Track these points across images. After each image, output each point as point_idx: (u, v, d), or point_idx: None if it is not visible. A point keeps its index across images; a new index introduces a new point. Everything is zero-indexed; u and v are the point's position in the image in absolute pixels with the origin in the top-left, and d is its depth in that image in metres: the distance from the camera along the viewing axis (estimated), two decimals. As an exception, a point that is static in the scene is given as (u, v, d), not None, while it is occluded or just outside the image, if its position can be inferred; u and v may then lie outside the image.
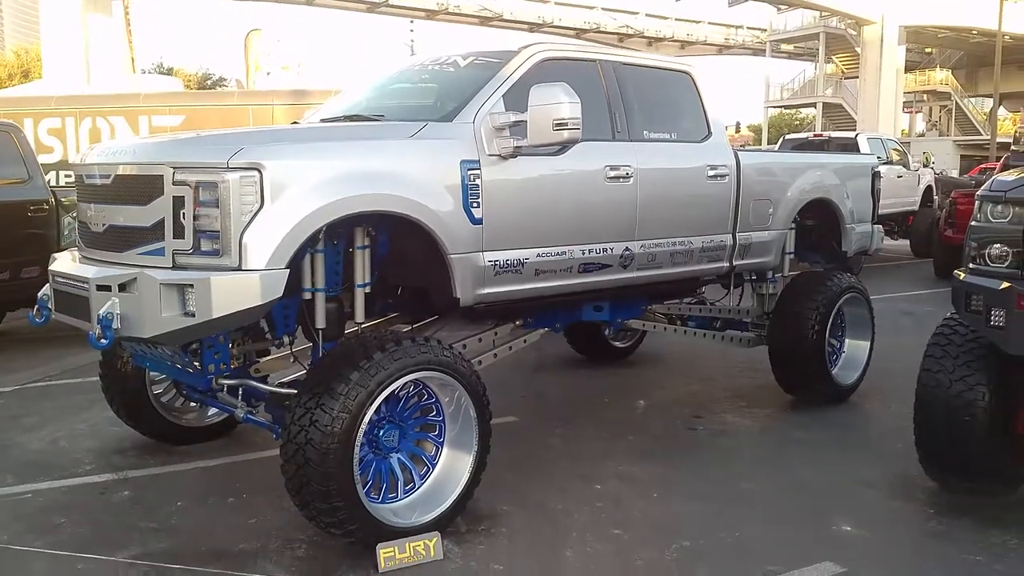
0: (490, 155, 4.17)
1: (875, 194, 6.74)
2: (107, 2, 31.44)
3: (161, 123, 12.39)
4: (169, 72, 43.78)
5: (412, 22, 51.05)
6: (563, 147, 4.33)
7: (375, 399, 3.55)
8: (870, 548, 3.85)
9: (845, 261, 6.70)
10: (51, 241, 7.64)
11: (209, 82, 48.16)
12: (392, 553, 3.59)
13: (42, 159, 8.44)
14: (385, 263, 4.33)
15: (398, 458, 3.87)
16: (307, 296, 3.98)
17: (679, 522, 4.08)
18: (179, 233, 3.50)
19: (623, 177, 4.75)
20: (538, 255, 4.42)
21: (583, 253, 4.62)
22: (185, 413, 5.14)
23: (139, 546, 3.78)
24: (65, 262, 4.12)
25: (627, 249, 4.84)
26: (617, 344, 7.42)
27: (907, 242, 15.71)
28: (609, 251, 4.75)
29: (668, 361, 7.48)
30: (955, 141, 52.04)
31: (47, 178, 8.24)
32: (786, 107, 59.19)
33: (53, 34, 30.85)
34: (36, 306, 4.24)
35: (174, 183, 3.50)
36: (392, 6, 46.78)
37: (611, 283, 4.87)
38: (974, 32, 46.82)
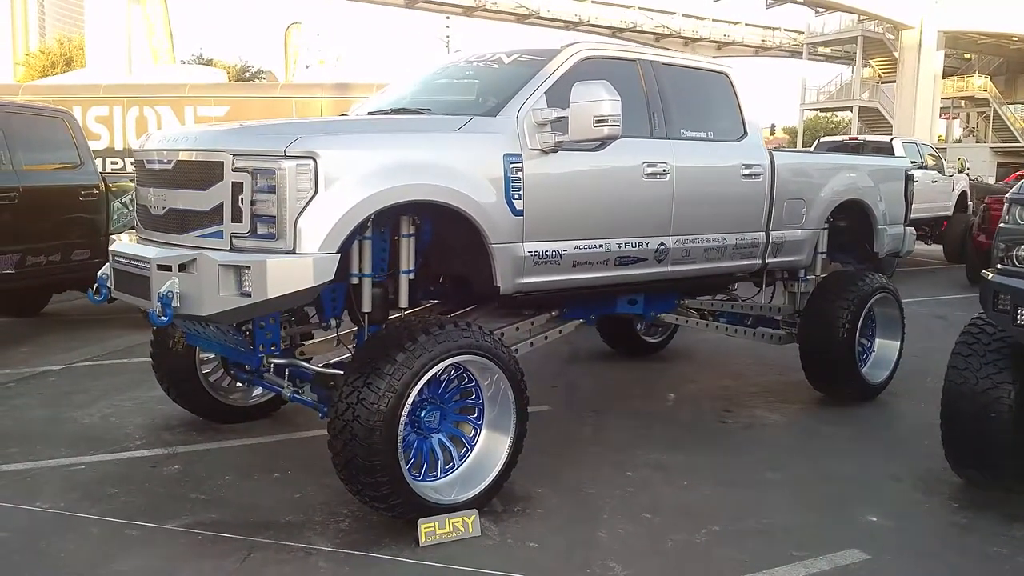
0: (532, 149, 4.31)
1: (908, 197, 6.80)
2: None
3: (206, 113, 12.69)
4: (209, 63, 44.35)
5: (448, 18, 51.32)
6: (603, 143, 4.45)
7: (419, 380, 3.71)
8: (895, 537, 3.95)
9: (876, 262, 6.76)
10: (101, 225, 7.93)
11: (248, 74, 48.71)
12: (432, 528, 3.75)
13: (90, 146, 8.68)
14: (428, 251, 4.49)
15: (439, 438, 4.03)
16: (354, 281, 4.15)
17: (708, 508, 4.21)
18: (237, 217, 3.68)
19: (660, 174, 4.88)
20: (576, 247, 4.56)
21: (619, 246, 4.75)
22: (231, 392, 5.34)
23: (190, 516, 3.97)
24: (125, 243, 4.32)
25: (662, 244, 4.96)
26: (648, 339, 7.54)
27: (940, 247, 15.63)
28: (645, 245, 4.88)
29: (698, 357, 7.59)
30: (992, 148, 51.39)
31: (99, 167, 8.51)
32: (822, 110, 58.72)
33: (97, 23, 31.49)
34: (95, 285, 4.46)
35: (234, 169, 3.68)
36: (430, 1, 47.06)
37: (646, 276, 5.00)
38: (1014, 39, 46.19)
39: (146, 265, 3.87)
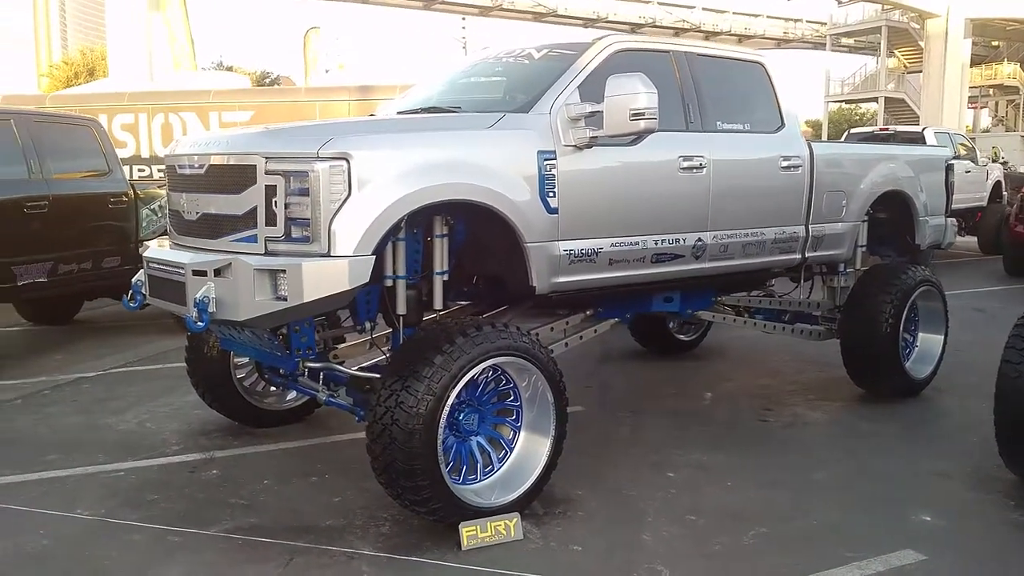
0: (566, 145, 4.24)
1: (949, 187, 6.65)
2: (170, 1, 32.27)
3: (231, 119, 12.72)
4: (229, 70, 44.66)
5: (464, 19, 51.30)
6: (638, 138, 4.38)
7: (457, 382, 3.65)
8: (950, 538, 3.84)
9: (917, 255, 6.62)
10: (130, 232, 7.95)
11: (268, 80, 49.01)
12: (474, 532, 3.69)
13: (120, 154, 8.73)
14: (462, 251, 4.43)
15: (477, 441, 3.97)
16: (388, 283, 4.09)
17: (754, 509, 4.11)
18: (271, 221, 3.64)
19: (697, 168, 4.78)
20: (612, 245, 4.48)
21: (656, 243, 4.67)
22: (266, 397, 5.32)
23: (230, 521, 3.94)
24: (158, 249, 4.30)
25: (699, 240, 4.87)
26: (682, 337, 7.43)
27: (975, 239, 15.37)
28: (682, 241, 4.79)
29: (733, 355, 7.48)
30: (1022, 136, 50.56)
31: (127, 175, 8.53)
32: (846, 102, 58.08)
33: (118, 33, 31.88)
34: (130, 291, 4.44)
35: (267, 172, 3.64)
36: (447, 3, 47.10)
37: (683, 273, 4.91)
38: (1044, 25, 45.43)
39: (181, 271, 3.84)
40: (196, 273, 3.74)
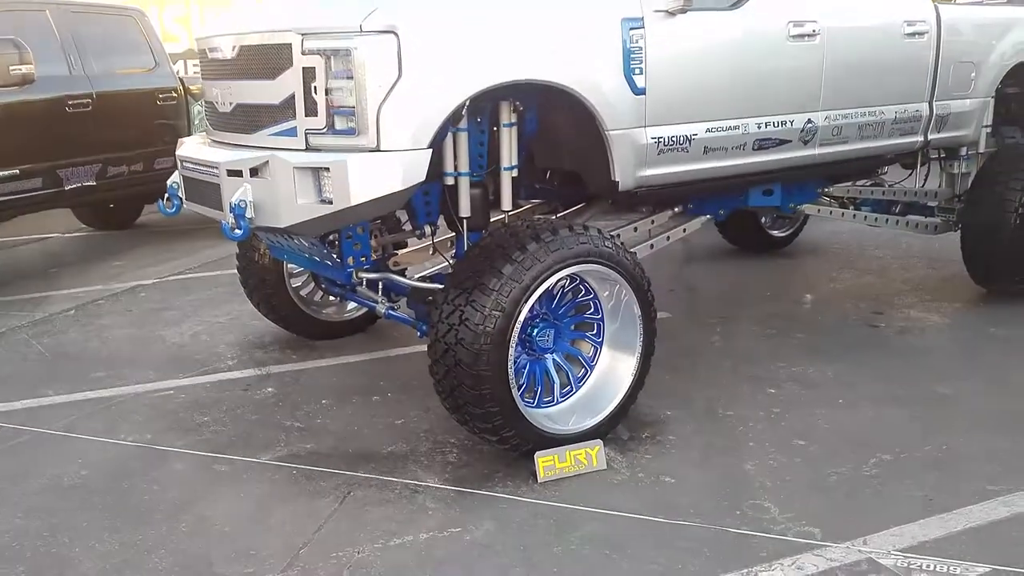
0: (655, 11, 3.58)
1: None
2: None
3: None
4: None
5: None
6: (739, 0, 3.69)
7: (530, 296, 3.15)
8: (1117, 470, 3.25)
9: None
10: (182, 131, 7.52)
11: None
12: (552, 462, 3.26)
13: (168, 49, 8.25)
14: (533, 143, 3.87)
15: (553, 359, 3.50)
16: (449, 181, 3.58)
17: (873, 432, 3.58)
18: (311, 110, 3.12)
19: (808, 35, 4.06)
20: (708, 130, 3.85)
21: (759, 127, 4.02)
22: (324, 307, 4.94)
23: (283, 447, 3.59)
24: (193, 146, 3.85)
25: (810, 121, 4.19)
26: (775, 233, 6.76)
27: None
28: (789, 124, 4.12)
29: (831, 251, 6.79)
30: None
31: (176, 69, 8.09)
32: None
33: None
34: (166, 195, 4.01)
35: (303, 52, 3.10)
36: None
37: (789, 162, 4.25)
38: None
39: (215, 171, 3.38)
40: (231, 173, 3.28)
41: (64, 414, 3.97)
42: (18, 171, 6.05)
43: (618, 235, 4.18)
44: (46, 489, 3.27)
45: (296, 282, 4.81)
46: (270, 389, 4.26)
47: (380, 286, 3.95)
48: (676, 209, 4.58)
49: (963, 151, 5.46)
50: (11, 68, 5.91)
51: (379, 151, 3.03)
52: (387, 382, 4.27)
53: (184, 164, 3.75)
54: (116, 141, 6.82)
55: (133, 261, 7.16)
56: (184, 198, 3.86)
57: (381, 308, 3.90)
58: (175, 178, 3.93)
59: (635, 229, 4.41)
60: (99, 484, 3.30)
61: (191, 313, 5.58)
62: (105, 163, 6.71)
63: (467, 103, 3.24)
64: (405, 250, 4.37)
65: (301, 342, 4.87)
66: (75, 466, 3.44)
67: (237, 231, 3.19)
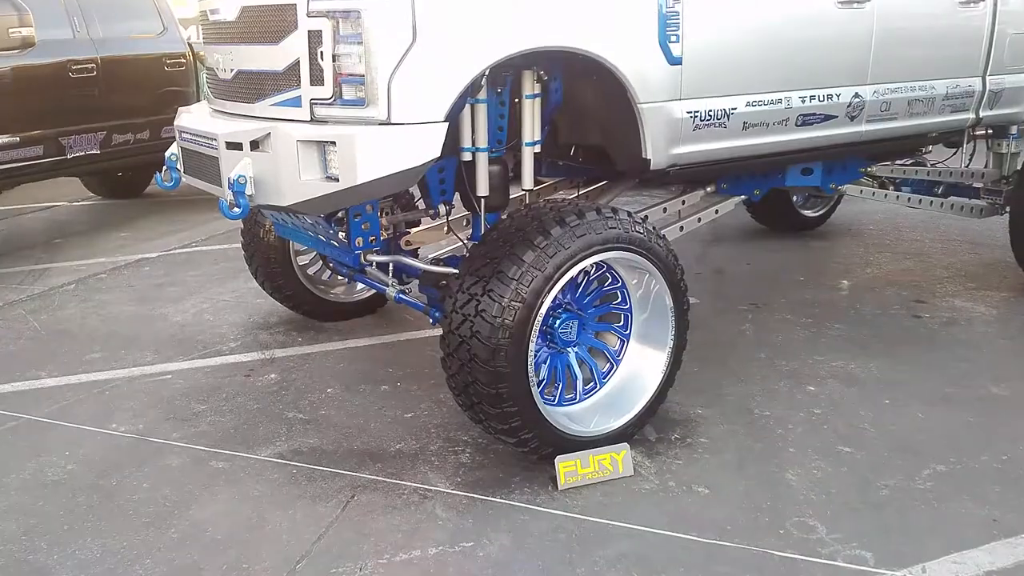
0: (695, -27, 3.25)
1: None
2: None
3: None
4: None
5: None
6: (785, -37, 3.36)
7: (553, 286, 2.87)
8: None
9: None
10: (190, 98, 7.26)
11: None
12: (573, 467, 3.00)
13: (178, 13, 7.94)
14: (558, 116, 3.57)
15: (576, 353, 3.22)
16: (466, 157, 3.29)
17: (925, 437, 3.29)
18: (317, 78, 2.82)
19: (857, 2, 3.72)
20: (748, 104, 3.54)
21: (803, 101, 3.69)
22: (333, 287, 4.68)
23: (284, 442, 3.34)
24: (193, 116, 3.58)
25: (857, 95, 3.86)
26: (807, 213, 6.44)
27: None
28: (835, 98, 3.80)
29: (865, 232, 6.46)
30: None
31: (185, 34, 7.79)
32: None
33: None
34: (164, 167, 3.74)
35: (308, 14, 2.80)
36: None
37: (834, 139, 3.93)
38: None
39: (213, 143, 3.10)
40: (230, 146, 3.00)
41: (55, 399, 3.75)
42: (18, 138, 5.82)
43: (647, 217, 3.92)
44: (27, 485, 3.04)
45: (303, 260, 4.56)
46: (273, 375, 4.01)
47: (391, 267, 3.68)
48: (709, 188, 4.27)
49: (1013, 130, 5.12)
50: (10, 31, 5.65)
51: (390, 124, 2.74)
52: (397, 369, 4.02)
53: (182, 135, 3.48)
54: (121, 108, 6.57)
55: (139, 232, 6.93)
56: (182, 171, 3.59)
57: (391, 292, 3.63)
58: (174, 149, 3.66)
59: (664, 210, 4.12)
60: (85, 480, 3.06)
61: (195, 289, 5.34)
62: (110, 131, 6.46)
63: (487, 72, 2.95)
64: (418, 229, 4.09)
65: (308, 323, 4.62)
66: (61, 459, 3.21)
67: (236, 209, 2.93)
